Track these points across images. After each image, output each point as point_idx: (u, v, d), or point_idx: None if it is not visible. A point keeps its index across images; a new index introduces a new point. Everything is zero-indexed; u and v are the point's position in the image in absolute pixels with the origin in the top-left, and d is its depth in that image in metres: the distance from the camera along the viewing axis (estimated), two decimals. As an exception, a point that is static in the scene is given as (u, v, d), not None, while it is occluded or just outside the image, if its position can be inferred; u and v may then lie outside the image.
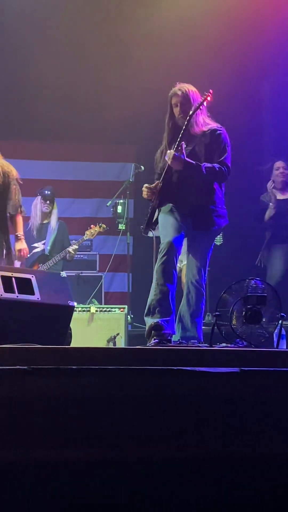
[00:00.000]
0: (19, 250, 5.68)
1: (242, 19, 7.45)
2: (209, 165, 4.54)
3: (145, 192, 4.72)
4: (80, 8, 7.73)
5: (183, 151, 4.52)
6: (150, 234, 4.82)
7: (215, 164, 4.56)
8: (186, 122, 4.52)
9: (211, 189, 4.64)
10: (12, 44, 7.61)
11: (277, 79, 7.90)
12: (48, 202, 7.17)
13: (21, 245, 5.70)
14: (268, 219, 6.89)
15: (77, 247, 6.94)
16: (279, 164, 7.00)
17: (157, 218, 4.73)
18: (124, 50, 7.67)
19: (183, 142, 4.55)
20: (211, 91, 4.53)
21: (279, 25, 7.66)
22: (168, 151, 4.54)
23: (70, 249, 6.92)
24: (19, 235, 5.71)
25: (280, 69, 7.84)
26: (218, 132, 4.65)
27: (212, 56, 7.36)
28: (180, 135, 4.53)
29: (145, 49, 7.56)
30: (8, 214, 5.62)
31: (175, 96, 4.68)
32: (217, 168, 4.55)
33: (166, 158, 4.53)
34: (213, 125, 4.65)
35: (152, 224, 4.89)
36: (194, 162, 4.52)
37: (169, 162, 4.51)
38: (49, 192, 7.17)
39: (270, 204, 6.87)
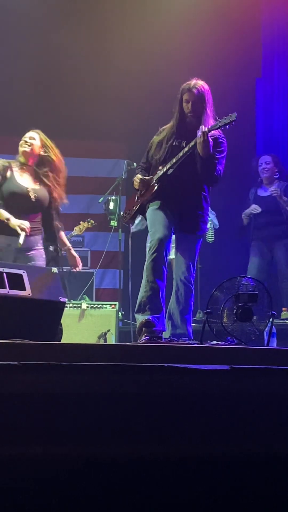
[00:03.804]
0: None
1: (240, 17, 7.46)
2: (218, 167, 4.53)
3: (136, 183, 4.72)
4: (75, 5, 7.72)
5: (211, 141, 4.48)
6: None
7: (219, 171, 4.56)
8: (207, 132, 4.43)
9: (202, 195, 4.65)
10: (6, 38, 7.59)
11: (271, 78, 7.91)
12: None
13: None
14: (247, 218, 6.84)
15: (56, 247, 6.94)
16: (262, 159, 6.88)
17: (143, 212, 4.76)
18: (118, 47, 7.66)
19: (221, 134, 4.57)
20: (236, 114, 4.39)
21: (277, 23, 7.69)
22: (204, 128, 4.41)
23: (51, 248, 6.93)
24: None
25: (275, 68, 7.86)
26: (220, 140, 4.63)
27: (207, 54, 7.36)
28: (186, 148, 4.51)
29: (140, 46, 7.55)
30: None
31: (189, 93, 4.59)
32: (218, 176, 4.56)
33: (199, 135, 4.41)
34: (215, 132, 4.61)
35: (135, 218, 4.92)
36: (213, 158, 4.49)
37: (201, 139, 4.41)
38: None
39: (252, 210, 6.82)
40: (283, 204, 6.62)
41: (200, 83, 4.62)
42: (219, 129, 4.56)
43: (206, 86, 4.62)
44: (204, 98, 4.58)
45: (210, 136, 4.55)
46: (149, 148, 4.82)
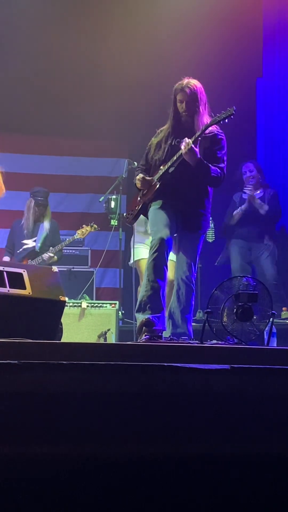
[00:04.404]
0: None
1: (241, 16, 7.46)
2: (214, 168, 4.53)
3: (138, 182, 4.72)
4: (76, 4, 7.73)
5: (197, 147, 4.48)
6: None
7: (218, 169, 4.55)
8: (191, 144, 4.43)
9: (205, 193, 4.64)
10: (7, 36, 7.59)
11: (271, 78, 7.90)
12: (41, 208, 7.19)
13: None
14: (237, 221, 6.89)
15: (52, 254, 6.92)
16: (245, 167, 6.94)
17: (146, 212, 4.75)
18: (119, 46, 7.67)
19: (199, 139, 4.51)
20: (235, 108, 4.40)
21: (278, 22, 7.68)
22: (187, 140, 4.44)
23: (47, 255, 6.90)
24: None
25: (276, 68, 7.85)
26: (219, 137, 4.63)
27: (208, 54, 7.36)
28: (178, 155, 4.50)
29: (140, 45, 7.56)
30: None
31: (182, 93, 4.59)
32: (219, 174, 4.55)
33: (182, 146, 4.44)
34: (213, 128, 4.61)
35: (137, 218, 4.92)
36: (205, 161, 4.49)
37: (184, 150, 4.43)
38: (42, 199, 7.18)
39: (241, 207, 6.87)
40: (256, 206, 6.71)
41: (193, 82, 4.61)
42: (216, 125, 4.57)
43: (198, 85, 4.61)
44: (197, 96, 4.57)
45: (209, 133, 4.56)
46: (147, 150, 4.82)
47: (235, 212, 6.87)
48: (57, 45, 7.57)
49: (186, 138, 4.46)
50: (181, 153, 4.49)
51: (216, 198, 4.97)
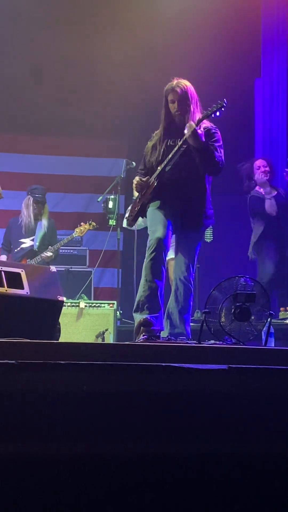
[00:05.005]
0: None
1: (240, 16, 7.47)
2: (218, 154, 4.53)
3: (135, 185, 4.72)
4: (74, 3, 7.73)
5: (202, 131, 4.48)
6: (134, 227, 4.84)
7: (219, 157, 4.55)
8: (194, 126, 4.44)
9: (203, 189, 4.64)
10: (7, 36, 7.58)
11: (270, 78, 7.91)
12: (39, 205, 7.16)
13: None
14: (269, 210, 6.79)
15: (51, 253, 6.90)
16: (259, 163, 6.90)
17: (145, 213, 4.75)
18: (118, 46, 7.66)
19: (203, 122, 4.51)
20: (225, 100, 4.42)
21: (276, 23, 7.69)
22: (190, 123, 4.44)
23: (45, 255, 6.88)
24: None
25: (274, 68, 7.86)
26: (213, 131, 4.63)
27: (207, 53, 7.37)
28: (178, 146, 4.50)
29: (139, 45, 7.56)
30: None
31: (172, 93, 4.60)
32: (220, 162, 4.55)
33: (186, 130, 4.45)
34: (207, 124, 4.63)
35: (137, 219, 4.91)
36: (209, 146, 4.49)
37: (188, 134, 4.43)
38: (40, 196, 7.15)
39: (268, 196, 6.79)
40: None
41: (183, 82, 4.63)
42: (209, 121, 4.58)
43: (188, 84, 4.64)
44: (188, 95, 4.59)
45: (203, 129, 4.56)
46: (145, 154, 4.83)
47: (269, 197, 6.78)
48: (57, 45, 7.57)
49: (191, 121, 4.45)
50: (178, 149, 4.50)
51: (219, 198, 4.99)
